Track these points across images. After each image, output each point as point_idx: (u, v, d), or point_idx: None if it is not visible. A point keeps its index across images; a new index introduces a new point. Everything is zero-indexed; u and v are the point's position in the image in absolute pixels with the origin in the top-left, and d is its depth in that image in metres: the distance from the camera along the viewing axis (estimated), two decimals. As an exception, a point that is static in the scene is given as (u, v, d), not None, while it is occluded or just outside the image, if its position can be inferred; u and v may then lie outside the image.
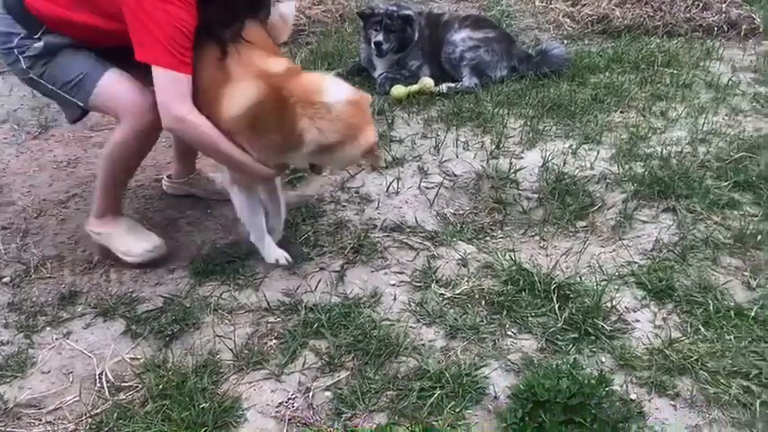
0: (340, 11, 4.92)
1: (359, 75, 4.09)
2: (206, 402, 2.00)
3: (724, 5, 4.79)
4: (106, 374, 2.14)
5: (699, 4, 4.75)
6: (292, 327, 2.29)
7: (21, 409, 2.04)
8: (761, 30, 4.63)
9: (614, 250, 2.71)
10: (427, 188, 3.07)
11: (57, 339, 2.28)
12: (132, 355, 2.21)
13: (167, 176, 3.01)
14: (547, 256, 2.67)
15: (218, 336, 2.25)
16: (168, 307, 2.38)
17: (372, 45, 3.83)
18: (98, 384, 2.12)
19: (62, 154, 3.32)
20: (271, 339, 2.26)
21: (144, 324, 2.32)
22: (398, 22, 3.81)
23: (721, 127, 3.54)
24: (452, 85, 3.88)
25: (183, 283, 2.51)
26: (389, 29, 3.81)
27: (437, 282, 2.49)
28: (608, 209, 2.95)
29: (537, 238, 2.78)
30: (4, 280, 2.53)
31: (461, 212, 2.92)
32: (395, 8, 3.88)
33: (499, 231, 2.81)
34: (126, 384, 2.12)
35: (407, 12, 3.89)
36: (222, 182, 2.68)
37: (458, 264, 2.60)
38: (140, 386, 2.10)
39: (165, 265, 2.59)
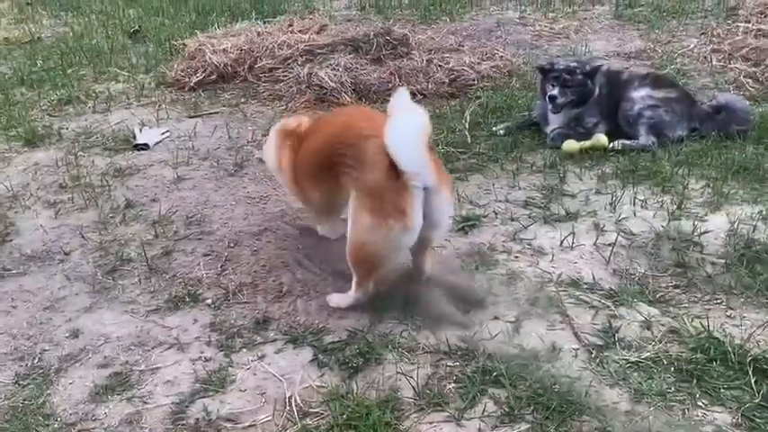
0: (508, 67, 5.03)
1: (528, 129, 4.14)
2: (390, 436, 2.07)
3: None
4: (295, 399, 2.29)
5: None
6: (471, 372, 2.32)
7: (221, 422, 2.22)
8: None
9: (815, 327, 2.50)
10: (603, 245, 3.02)
11: (252, 361, 2.47)
12: (319, 383, 2.35)
13: None
14: (736, 326, 2.51)
15: (399, 373, 2.34)
16: (352, 340, 2.51)
17: (548, 99, 3.87)
18: (288, 407, 2.26)
19: (254, 191, 3.64)
20: (450, 382, 2.30)
21: (330, 354, 2.46)
22: (578, 78, 3.84)
23: None
24: (628, 142, 3.82)
25: (364, 318, 2.64)
26: (566, 84, 3.84)
27: (619, 342, 2.43)
28: (807, 280, 2.74)
29: (723, 306, 2.63)
30: (207, 301, 2.80)
31: (641, 273, 2.84)
32: (575, 64, 3.92)
33: (683, 296, 2.69)
34: (313, 410, 2.25)
35: (591, 66, 3.92)
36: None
37: (641, 326, 2.52)
38: (326, 413, 2.22)
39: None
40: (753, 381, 2.21)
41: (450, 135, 4.08)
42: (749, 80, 4.65)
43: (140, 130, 4.39)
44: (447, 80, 4.79)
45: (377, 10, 6.89)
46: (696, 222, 3.11)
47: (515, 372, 2.30)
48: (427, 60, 4.97)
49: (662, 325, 2.51)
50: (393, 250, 2.50)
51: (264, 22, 6.19)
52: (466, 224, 3.20)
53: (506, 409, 2.17)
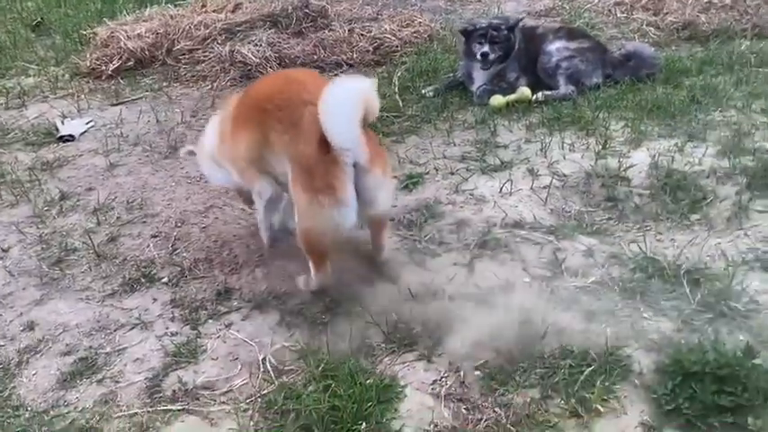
0: (428, 32, 5.14)
1: (455, 89, 4.27)
2: (369, 379, 2.16)
3: (814, 5, 4.80)
4: (269, 360, 2.34)
5: (787, 5, 4.77)
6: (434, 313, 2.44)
7: (198, 390, 2.25)
8: None
9: (733, 240, 2.76)
10: (539, 188, 3.20)
11: (220, 330, 2.50)
12: (290, 342, 2.41)
13: None
14: (666, 247, 2.74)
15: (368, 322, 2.42)
16: (317, 299, 2.58)
17: (479, 56, 4.01)
18: (262, 369, 2.31)
19: (193, 171, 3.60)
20: (417, 325, 2.41)
21: (297, 315, 2.52)
22: (504, 33, 4.01)
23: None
24: (549, 92, 4.02)
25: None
26: (494, 40, 4.01)
27: (566, 271, 2.61)
28: (720, 201, 3.00)
29: (653, 231, 2.86)
30: (163, 280, 2.78)
31: (576, 210, 3.03)
32: (498, 21, 4.08)
33: (617, 226, 2.90)
34: (288, 368, 2.31)
35: (513, 20, 4.09)
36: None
37: (583, 255, 2.71)
38: (302, 369, 2.28)
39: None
40: (688, 290, 2.44)
41: (381, 101, 4.14)
42: (651, 28, 4.97)
43: (62, 122, 4.23)
44: (371, 48, 4.87)
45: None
46: (621, 159, 3.34)
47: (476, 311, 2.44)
48: (349, 30, 5.02)
49: (602, 252, 2.72)
50: (330, 228, 2.36)
51: (175, 5, 6.02)
52: (410, 182, 3.31)
53: (472, 344, 2.30)
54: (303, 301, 2.58)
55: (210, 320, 2.55)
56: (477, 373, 2.21)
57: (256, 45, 4.84)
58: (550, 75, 4.08)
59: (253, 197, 2.80)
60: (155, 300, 2.69)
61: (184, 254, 2.94)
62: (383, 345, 2.34)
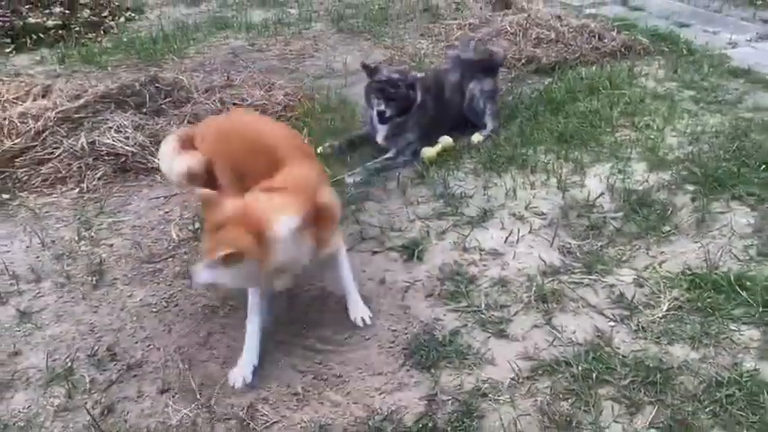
0: (299, 93, 4.86)
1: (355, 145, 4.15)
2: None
3: (614, 33, 5.69)
4: None
5: (595, 36, 5.56)
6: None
7: None
8: (651, 49, 5.58)
9: (714, 241, 3.12)
10: (537, 230, 3.24)
11: None
12: None
13: None
14: (674, 257, 3.00)
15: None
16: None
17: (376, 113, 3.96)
18: None
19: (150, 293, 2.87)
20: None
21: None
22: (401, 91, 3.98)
23: (698, 125, 4.22)
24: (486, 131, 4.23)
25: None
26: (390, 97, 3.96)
27: (636, 308, 2.68)
28: (680, 210, 3.37)
29: (642, 250, 3.08)
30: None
31: (576, 244, 3.12)
32: (397, 76, 4.02)
33: (613, 249, 3.07)
34: None
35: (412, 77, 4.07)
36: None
37: (634, 285, 2.81)
38: None
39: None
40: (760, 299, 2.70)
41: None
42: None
43: None
44: (254, 118, 4.42)
45: (83, 59, 5.89)
46: (581, 189, 3.55)
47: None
48: (219, 100, 4.51)
49: (647, 280, 2.85)
50: None
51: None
52: (415, 250, 3.09)
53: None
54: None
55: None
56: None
57: (118, 131, 4.07)
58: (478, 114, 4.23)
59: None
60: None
61: (228, 400, 2.33)
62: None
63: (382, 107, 3.92)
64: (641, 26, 6.28)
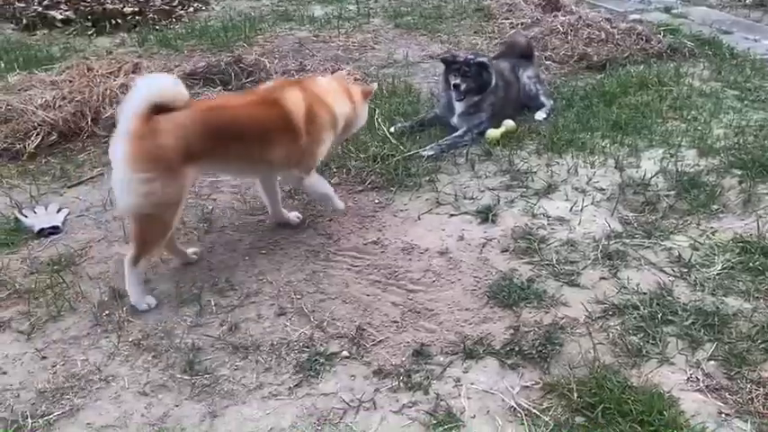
0: (359, 77, 5.24)
1: (424, 127, 4.49)
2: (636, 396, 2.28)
3: (660, 36, 6.01)
4: (521, 404, 2.31)
5: (642, 38, 5.89)
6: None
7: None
8: (696, 52, 5.89)
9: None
10: (598, 202, 3.57)
11: (455, 388, 2.38)
12: (530, 382, 2.40)
13: None
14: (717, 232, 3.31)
15: (599, 343, 2.52)
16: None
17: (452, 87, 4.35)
18: (519, 415, 2.28)
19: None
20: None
21: (514, 355, 2.51)
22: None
23: (742, 119, 4.54)
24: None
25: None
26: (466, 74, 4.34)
27: (693, 266, 3.00)
28: (727, 191, 3.68)
29: (693, 224, 3.39)
30: (343, 354, 2.52)
31: (633, 216, 3.45)
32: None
33: (667, 222, 3.38)
34: (542, 407, 2.31)
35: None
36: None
37: (690, 248, 3.14)
38: (556, 405, 2.30)
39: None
40: None
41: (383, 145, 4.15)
42: (549, 62, 5.73)
43: (23, 215, 3.46)
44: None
45: (160, 43, 6.34)
46: (636, 170, 3.88)
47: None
48: (297, 82, 4.90)
49: (702, 245, 3.17)
50: None
51: (47, 71, 5.22)
52: (489, 214, 3.44)
53: (690, 338, 2.56)
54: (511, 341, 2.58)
55: (435, 381, 2.41)
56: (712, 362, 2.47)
57: (211, 104, 4.47)
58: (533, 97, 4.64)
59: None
60: (353, 376, 2.44)
61: (338, 323, 2.70)
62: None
63: (458, 80, 4.30)
64: (685, 31, 6.59)
